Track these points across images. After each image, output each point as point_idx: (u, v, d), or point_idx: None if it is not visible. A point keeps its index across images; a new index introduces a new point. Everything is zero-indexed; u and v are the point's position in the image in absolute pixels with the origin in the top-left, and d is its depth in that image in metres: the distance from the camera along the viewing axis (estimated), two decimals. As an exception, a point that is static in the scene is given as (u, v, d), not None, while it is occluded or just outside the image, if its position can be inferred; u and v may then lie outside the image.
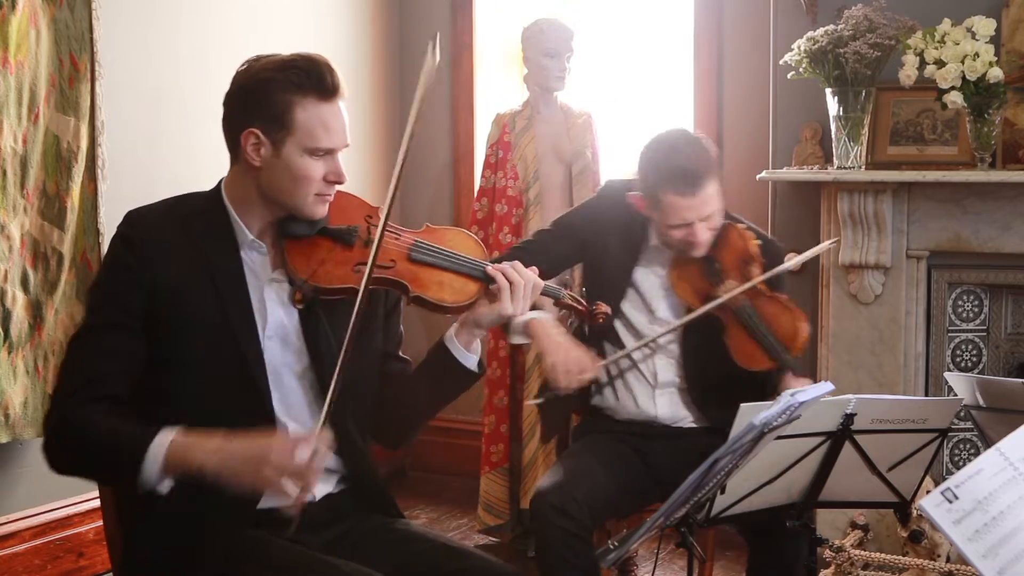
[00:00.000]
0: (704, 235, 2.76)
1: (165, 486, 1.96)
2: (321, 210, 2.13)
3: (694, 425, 2.91)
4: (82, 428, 2.00)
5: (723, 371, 2.79)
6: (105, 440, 1.99)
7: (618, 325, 2.90)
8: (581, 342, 2.81)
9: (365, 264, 2.07)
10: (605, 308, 2.36)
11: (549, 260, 2.90)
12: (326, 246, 2.13)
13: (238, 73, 2.13)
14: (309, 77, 2.07)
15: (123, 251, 2.08)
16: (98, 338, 2.05)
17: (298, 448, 1.92)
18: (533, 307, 2.30)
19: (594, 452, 2.83)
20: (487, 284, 2.18)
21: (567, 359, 2.68)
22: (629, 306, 2.91)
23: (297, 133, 2.07)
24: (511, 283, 2.17)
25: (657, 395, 2.91)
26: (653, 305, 2.91)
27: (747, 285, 2.75)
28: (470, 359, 2.21)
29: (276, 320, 2.14)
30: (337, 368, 2.00)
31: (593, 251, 2.96)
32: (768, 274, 2.79)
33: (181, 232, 2.10)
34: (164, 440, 1.95)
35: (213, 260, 2.10)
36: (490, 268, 2.18)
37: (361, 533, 2.20)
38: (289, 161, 2.07)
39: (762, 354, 2.71)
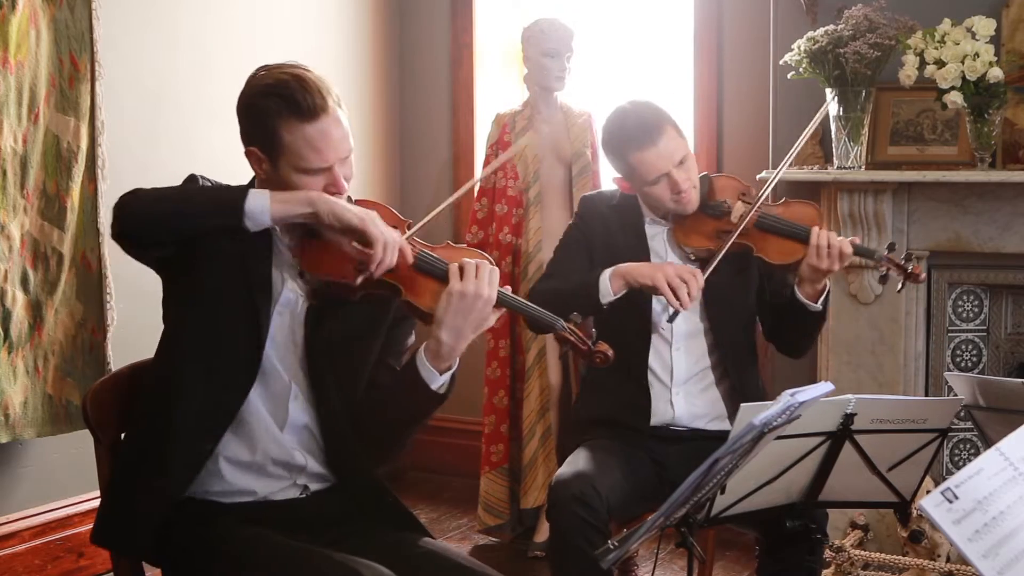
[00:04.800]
0: (685, 182, 2.84)
1: (268, 220, 2.10)
2: None
3: (708, 427, 2.90)
4: (161, 190, 2.17)
5: (745, 309, 2.94)
6: (194, 190, 2.17)
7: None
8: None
9: (366, 264, 2.14)
10: (605, 348, 2.27)
11: (573, 264, 2.97)
12: (335, 243, 2.20)
13: (242, 88, 2.21)
14: (287, 102, 2.13)
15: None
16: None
17: (391, 229, 2.15)
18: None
19: (611, 452, 2.80)
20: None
21: (668, 268, 2.74)
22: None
23: (287, 155, 2.15)
24: (460, 264, 2.16)
25: (674, 394, 2.91)
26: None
27: (763, 192, 2.88)
28: (430, 372, 2.14)
29: (290, 299, 2.21)
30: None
31: (602, 250, 2.97)
32: (773, 180, 2.92)
33: None
34: (264, 191, 2.12)
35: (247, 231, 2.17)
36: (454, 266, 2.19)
37: (369, 543, 2.18)
38: (287, 179, 2.16)
39: (795, 244, 2.81)
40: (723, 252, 2.79)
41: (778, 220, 2.84)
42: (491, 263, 2.18)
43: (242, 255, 2.16)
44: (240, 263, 2.16)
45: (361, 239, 2.11)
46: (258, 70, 2.21)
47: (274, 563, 2.06)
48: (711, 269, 2.77)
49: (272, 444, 2.19)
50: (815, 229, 2.77)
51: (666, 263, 2.82)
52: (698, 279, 2.71)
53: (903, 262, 2.80)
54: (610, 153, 2.93)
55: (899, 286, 2.87)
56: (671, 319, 2.75)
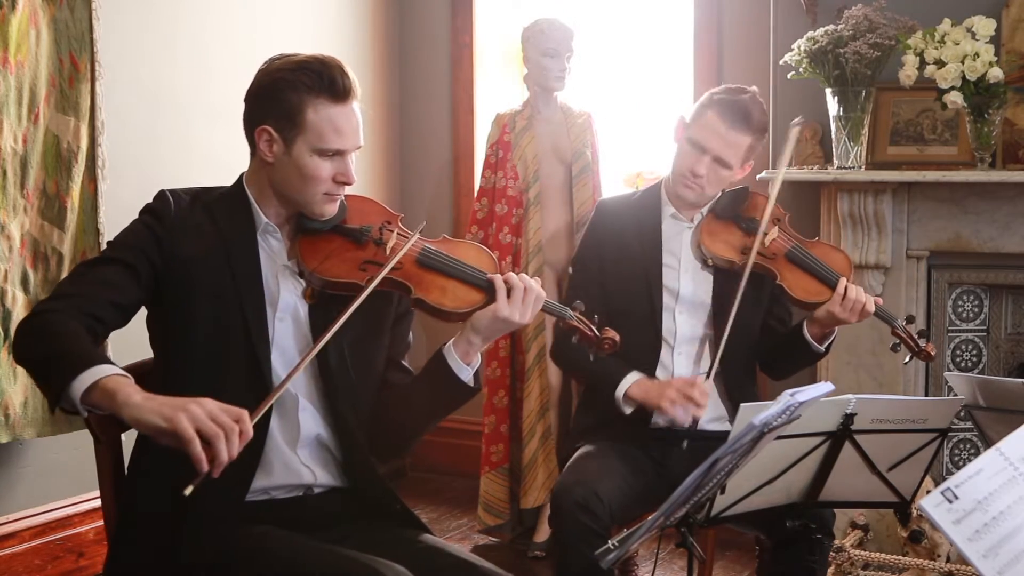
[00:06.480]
0: (704, 176, 2.83)
1: (81, 409, 1.88)
2: (330, 209, 2.19)
3: (708, 427, 2.89)
4: (50, 321, 1.98)
5: (753, 328, 2.92)
6: (63, 339, 1.95)
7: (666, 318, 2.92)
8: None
9: (372, 263, 2.15)
10: (612, 334, 2.33)
11: (588, 297, 2.94)
12: (337, 242, 2.20)
13: (258, 70, 2.19)
14: (321, 79, 2.12)
15: (150, 219, 2.15)
16: (101, 267, 2.10)
17: (231, 412, 1.84)
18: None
19: (612, 455, 2.80)
20: (490, 294, 2.18)
21: (670, 391, 2.75)
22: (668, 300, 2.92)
23: (308, 133, 2.12)
24: (510, 286, 2.17)
25: None
26: (689, 294, 2.92)
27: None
28: (465, 371, 2.18)
29: (289, 303, 2.19)
30: (320, 343, 2.04)
31: (614, 259, 2.95)
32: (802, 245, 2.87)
33: (204, 213, 2.18)
34: (107, 370, 1.89)
35: (230, 238, 2.16)
36: (491, 275, 2.20)
37: (372, 540, 2.17)
38: (299, 160, 2.13)
39: (822, 286, 2.80)
40: (746, 274, 2.77)
41: (812, 258, 2.83)
42: (537, 287, 2.19)
43: (229, 267, 2.14)
44: (231, 281, 2.13)
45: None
46: (272, 58, 2.19)
47: (291, 561, 2.03)
48: (737, 299, 2.76)
49: (283, 470, 2.16)
50: (844, 279, 2.78)
51: (670, 381, 2.82)
52: (699, 386, 2.73)
53: (916, 337, 2.81)
54: (699, 103, 2.92)
55: (907, 359, 2.87)
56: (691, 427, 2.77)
